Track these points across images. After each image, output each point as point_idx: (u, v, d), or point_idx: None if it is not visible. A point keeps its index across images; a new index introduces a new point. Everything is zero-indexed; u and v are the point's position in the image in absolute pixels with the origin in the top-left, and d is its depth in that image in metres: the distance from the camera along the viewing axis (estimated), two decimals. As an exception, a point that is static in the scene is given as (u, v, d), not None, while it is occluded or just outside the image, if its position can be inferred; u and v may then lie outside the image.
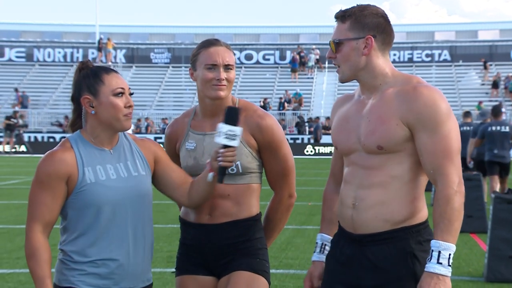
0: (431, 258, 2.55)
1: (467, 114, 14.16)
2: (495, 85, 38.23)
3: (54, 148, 2.77)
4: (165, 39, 50.08)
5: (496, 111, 11.94)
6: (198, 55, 3.08)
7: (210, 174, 2.86)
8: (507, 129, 11.68)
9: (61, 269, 2.77)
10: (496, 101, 36.67)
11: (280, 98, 36.59)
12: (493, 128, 11.69)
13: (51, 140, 33.28)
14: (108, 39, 43.83)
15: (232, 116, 2.83)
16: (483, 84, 39.99)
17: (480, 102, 35.38)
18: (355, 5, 2.77)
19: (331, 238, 2.92)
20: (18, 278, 6.86)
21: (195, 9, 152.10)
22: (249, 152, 3.08)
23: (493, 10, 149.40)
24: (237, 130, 2.81)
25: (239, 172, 3.06)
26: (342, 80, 2.80)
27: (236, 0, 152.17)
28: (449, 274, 2.54)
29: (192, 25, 54.47)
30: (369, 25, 2.70)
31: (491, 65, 41.55)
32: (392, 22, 2.79)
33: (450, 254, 2.54)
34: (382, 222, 2.68)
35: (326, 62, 40.76)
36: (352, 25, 2.71)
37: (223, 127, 2.81)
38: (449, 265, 2.54)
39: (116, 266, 2.75)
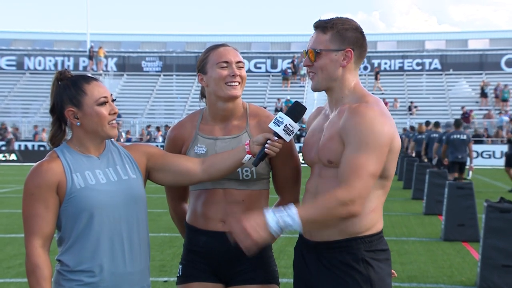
0: (281, 211, 2.56)
1: (436, 124, 18.39)
2: (484, 93, 38.37)
3: (40, 161, 2.76)
4: (156, 47, 50.07)
5: (458, 123, 15.42)
6: (208, 58, 3.08)
7: (248, 156, 2.86)
8: (465, 137, 15.18)
9: (59, 280, 2.75)
10: (486, 109, 36.85)
11: (279, 106, 36.61)
12: (455, 136, 15.12)
13: (42, 148, 33.15)
14: (99, 48, 43.85)
15: (298, 112, 2.83)
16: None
17: (470, 111, 35.51)
18: (335, 17, 2.83)
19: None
20: (9, 287, 6.83)
21: (187, 17, 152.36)
22: None
23: (482, 19, 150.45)
24: (297, 127, 2.81)
25: (253, 178, 3.06)
26: (315, 89, 2.86)
27: (227, 9, 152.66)
28: (271, 232, 2.54)
29: (184, 33, 54.54)
30: (349, 39, 2.78)
31: (481, 74, 41.77)
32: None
33: (289, 225, 2.54)
34: (336, 231, 2.76)
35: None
36: (334, 37, 2.78)
37: (285, 118, 2.79)
38: (279, 227, 2.53)
39: (113, 272, 2.72)
